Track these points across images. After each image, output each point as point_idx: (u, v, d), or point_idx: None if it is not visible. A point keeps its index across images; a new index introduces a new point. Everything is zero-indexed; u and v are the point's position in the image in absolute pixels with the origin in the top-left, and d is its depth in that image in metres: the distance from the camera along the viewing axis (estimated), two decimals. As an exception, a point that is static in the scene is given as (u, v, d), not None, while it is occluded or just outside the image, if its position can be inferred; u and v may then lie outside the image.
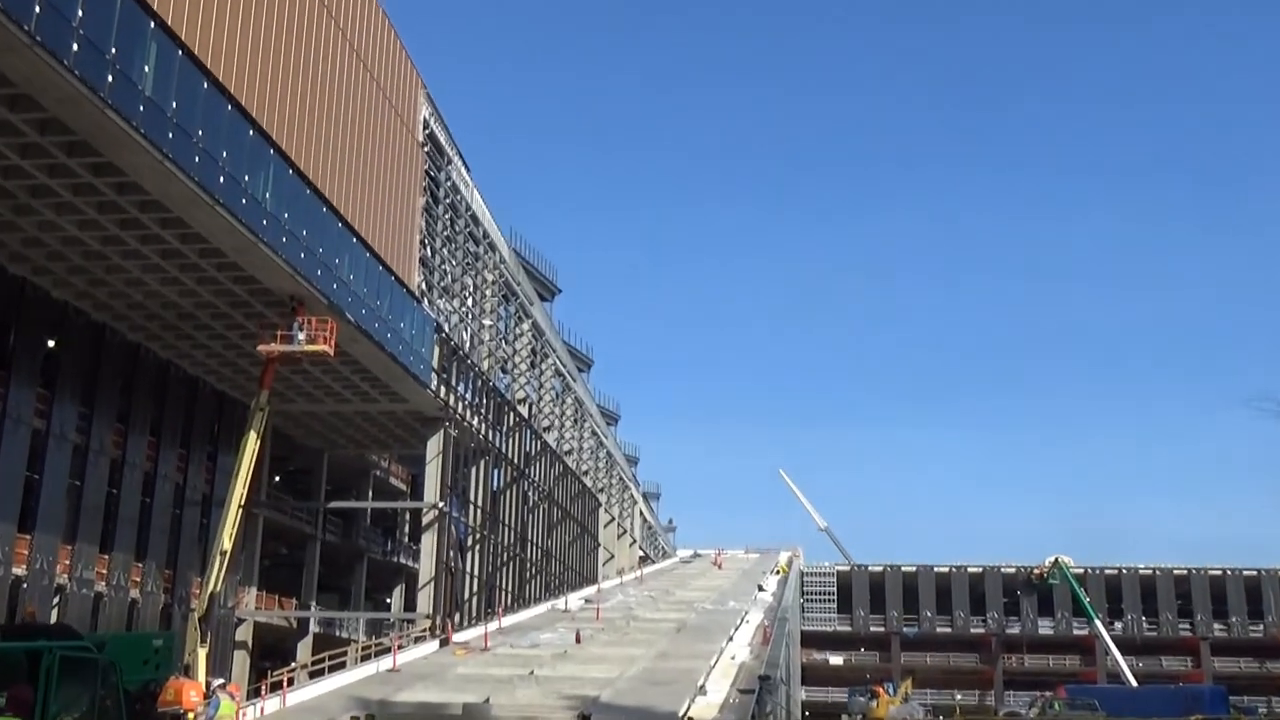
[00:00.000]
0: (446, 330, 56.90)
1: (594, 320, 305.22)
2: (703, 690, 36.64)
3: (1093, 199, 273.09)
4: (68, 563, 43.12)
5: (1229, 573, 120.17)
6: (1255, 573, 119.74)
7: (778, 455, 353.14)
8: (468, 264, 62.04)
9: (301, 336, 40.58)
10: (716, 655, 44.98)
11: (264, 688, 37.36)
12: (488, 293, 65.61)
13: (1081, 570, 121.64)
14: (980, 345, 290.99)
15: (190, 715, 31.98)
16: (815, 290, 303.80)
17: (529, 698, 35.50)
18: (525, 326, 74.58)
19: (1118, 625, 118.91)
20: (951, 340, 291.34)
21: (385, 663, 42.15)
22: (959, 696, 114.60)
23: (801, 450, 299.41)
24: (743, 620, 57.99)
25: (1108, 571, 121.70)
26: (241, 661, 56.00)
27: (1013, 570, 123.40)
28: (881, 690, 70.85)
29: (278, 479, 66.42)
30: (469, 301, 62.37)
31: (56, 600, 42.62)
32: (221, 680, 36.02)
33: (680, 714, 31.33)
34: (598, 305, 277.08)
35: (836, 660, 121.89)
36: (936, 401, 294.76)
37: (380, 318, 46.62)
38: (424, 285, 54.14)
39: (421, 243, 53.14)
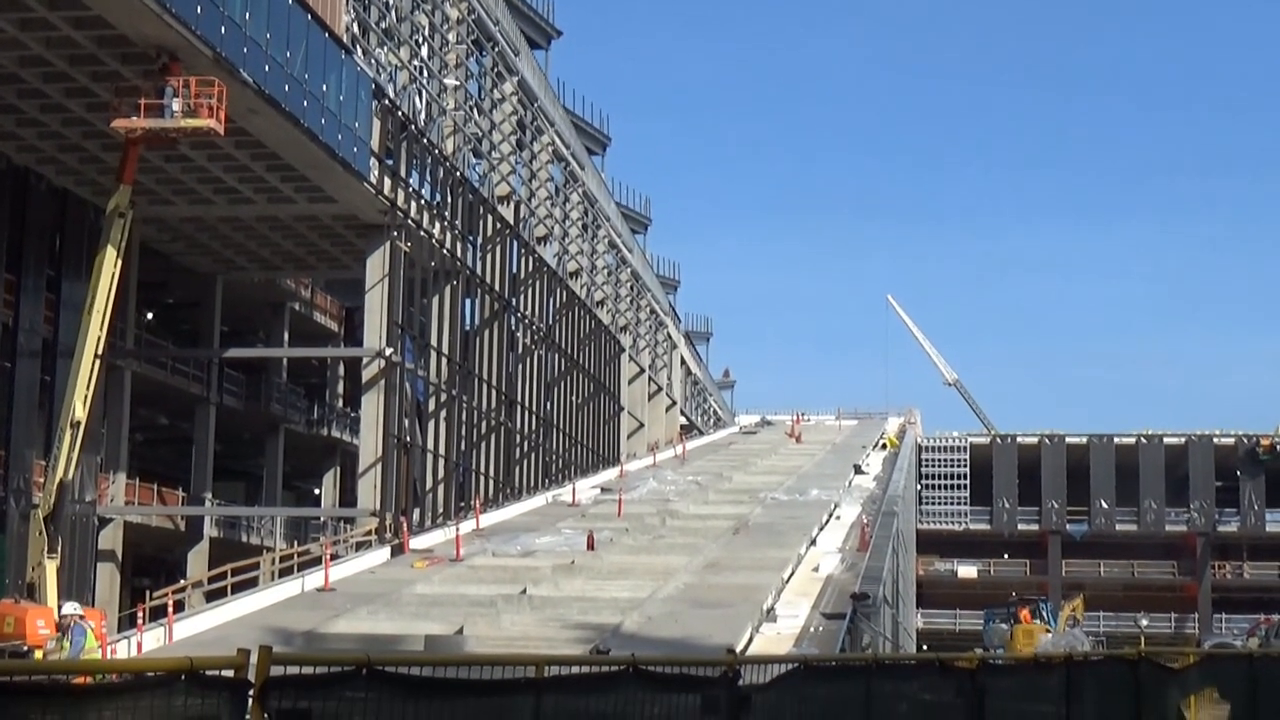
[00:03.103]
0: (391, 95, 56.75)
1: (610, 77, 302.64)
2: (771, 615, 37.50)
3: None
4: None
5: None
6: None
7: (885, 277, 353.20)
8: (420, -5, 61.45)
9: (176, 107, 40.50)
10: (792, 566, 45.86)
11: (141, 615, 38.41)
12: (451, 37, 65.07)
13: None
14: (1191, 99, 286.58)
15: (38, 653, 33.07)
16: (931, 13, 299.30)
17: (520, 626, 36.46)
18: (509, 88, 74.07)
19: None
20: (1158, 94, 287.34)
21: (314, 579, 43.32)
22: (1145, 622, 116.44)
23: (920, 269, 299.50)
24: (831, 516, 58.90)
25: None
26: (108, 578, 57.54)
27: (1230, 441, 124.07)
28: (1026, 614, 71.55)
29: (151, 316, 67.21)
30: (424, 51, 61.96)
31: None
32: (78, 607, 37.12)
33: (739, 648, 32.02)
34: (615, 53, 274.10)
35: (968, 572, 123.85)
36: (1119, 189, 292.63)
37: (292, 77, 46.46)
38: (356, 28, 53.75)
39: (350, -36, 52.69)
